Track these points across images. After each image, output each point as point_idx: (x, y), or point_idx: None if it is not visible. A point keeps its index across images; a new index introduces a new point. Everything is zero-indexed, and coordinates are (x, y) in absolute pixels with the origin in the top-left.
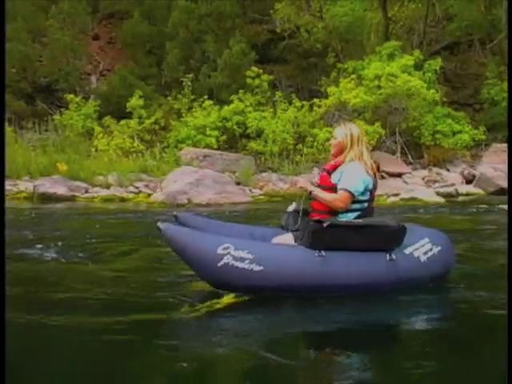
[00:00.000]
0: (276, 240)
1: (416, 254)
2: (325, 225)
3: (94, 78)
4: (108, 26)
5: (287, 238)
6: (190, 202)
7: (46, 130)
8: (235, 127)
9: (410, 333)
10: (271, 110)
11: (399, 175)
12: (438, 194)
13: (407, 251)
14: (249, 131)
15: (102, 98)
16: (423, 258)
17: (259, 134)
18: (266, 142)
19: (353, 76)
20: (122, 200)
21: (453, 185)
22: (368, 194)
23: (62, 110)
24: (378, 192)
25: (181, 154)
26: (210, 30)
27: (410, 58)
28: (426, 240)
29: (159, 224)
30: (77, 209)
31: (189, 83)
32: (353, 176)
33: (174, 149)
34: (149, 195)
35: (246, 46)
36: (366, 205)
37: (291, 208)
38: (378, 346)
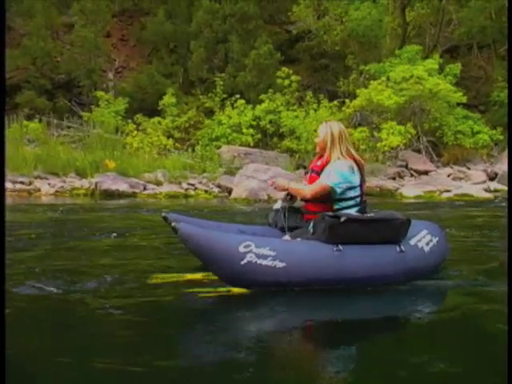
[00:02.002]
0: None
1: (420, 245)
2: (342, 219)
3: (110, 75)
4: (119, 23)
5: (287, 238)
6: (270, 198)
7: (69, 127)
8: (268, 126)
9: (413, 325)
10: (303, 109)
11: (426, 173)
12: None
13: (412, 242)
14: (283, 130)
15: (126, 96)
16: (426, 249)
17: (292, 132)
18: (298, 140)
19: (383, 78)
20: (185, 196)
21: (484, 182)
22: (358, 189)
23: (82, 106)
24: (429, 188)
25: (220, 151)
26: (234, 30)
27: (433, 61)
28: (425, 231)
29: (174, 224)
30: (154, 204)
31: (221, 82)
32: (332, 171)
33: (208, 147)
34: (206, 191)
35: (272, 47)
36: (359, 200)
37: (277, 206)
38: (380, 338)
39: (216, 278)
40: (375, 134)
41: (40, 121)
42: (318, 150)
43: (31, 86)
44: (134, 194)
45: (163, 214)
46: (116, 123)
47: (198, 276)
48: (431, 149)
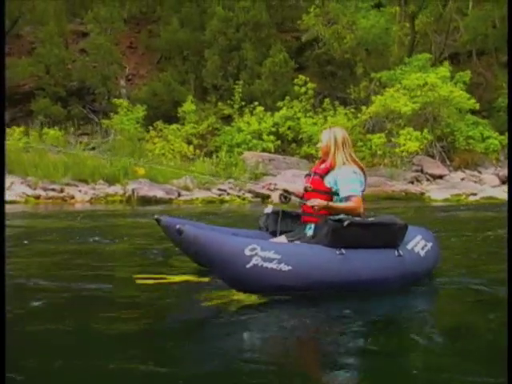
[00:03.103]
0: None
1: (416, 249)
2: (345, 224)
3: (122, 83)
4: (127, 31)
5: (282, 240)
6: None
7: (87, 134)
8: (288, 132)
9: (416, 327)
10: (320, 115)
11: (440, 177)
12: None
13: (409, 247)
14: (302, 136)
15: (140, 103)
16: (422, 253)
17: (310, 138)
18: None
19: (398, 85)
20: (221, 202)
21: (499, 185)
22: (360, 193)
23: (95, 113)
24: (456, 191)
25: (243, 157)
26: (248, 38)
27: (445, 69)
28: (420, 237)
29: (179, 226)
30: (194, 210)
31: (239, 90)
32: (351, 181)
33: (231, 153)
34: (238, 197)
35: (287, 55)
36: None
37: (268, 210)
38: (383, 341)
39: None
40: (392, 139)
41: (60, 129)
42: (321, 154)
43: (46, 94)
44: (169, 200)
45: (156, 217)
46: (135, 130)
47: (204, 279)
48: (445, 154)
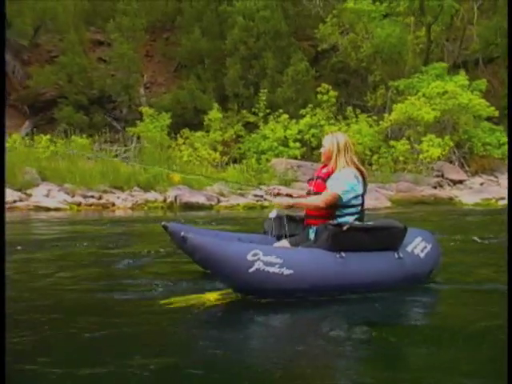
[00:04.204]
0: (276, 245)
1: (416, 251)
2: (345, 228)
3: (142, 91)
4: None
5: (285, 244)
6: None
7: (107, 142)
8: (312, 139)
9: (418, 328)
10: (343, 122)
11: (460, 182)
12: None
13: (409, 249)
14: None
15: (163, 111)
16: (422, 255)
17: None
18: None
19: (419, 94)
20: (262, 207)
21: None
22: (360, 198)
23: (117, 121)
24: (485, 196)
25: (272, 164)
26: (268, 47)
27: (462, 77)
28: (420, 238)
29: (184, 233)
30: (239, 215)
31: (263, 98)
32: (340, 180)
33: (260, 160)
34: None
35: (308, 64)
36: (359, 208)
37: (273, 214)
38: (383, 343)
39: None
40: (416, 146)
41: (86, 136)
42: (323, 159)
43: (68, 102)
44: (210, 206)
45: (163, 223)
46: (162, 138)
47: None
48: (464, 160)
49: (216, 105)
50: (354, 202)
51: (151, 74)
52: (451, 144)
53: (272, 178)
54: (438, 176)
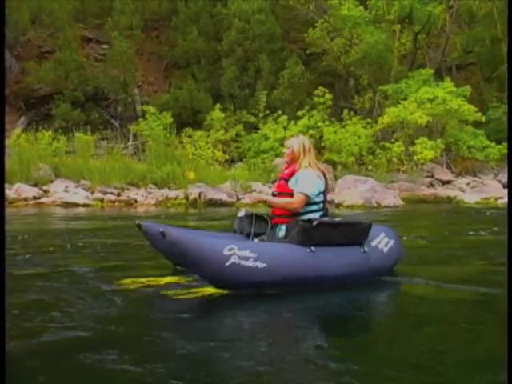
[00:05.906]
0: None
1: (380, 246)
2: (314, 223)
3: (136, 89)
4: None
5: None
6: (379, 205)
7: (104, 139)
8: (311, 140)
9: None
10: (339, 124)
11: (448, 182)
12: None
13: (373, 244)
14: (324, 144)
15: (163, 110)
16: (385, 250)
17: (332, 146)
18: (339, 153)
19: (411, 99)
20: None
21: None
22: (322, 195)
23: (113, 119)
24: (485, 195)
25: (276, 163)
26: (263, 49)
27: (450, 84)
28: (383, 234)
29: (163, 229)
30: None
31: (263, 99)
32: (307, 181)
33: (266, 159)
34: None
35: (303, 68)
36: (322, 205)
37: (242, 214)
38: (358, 332)
39: (191, 280)
40: (410, 148)
41: (93, 133)
42: (287, 159)
43: (66, 99)
44: (232, 203)
45: (137, 222)
46: (165, 136)
47: (173, 279)
48: (450, 162)
49: (218, 105)
50: (316, 199)
51: (142, 72)
52: (443, 146)
53: (275, 176)
54: (428, 176)
